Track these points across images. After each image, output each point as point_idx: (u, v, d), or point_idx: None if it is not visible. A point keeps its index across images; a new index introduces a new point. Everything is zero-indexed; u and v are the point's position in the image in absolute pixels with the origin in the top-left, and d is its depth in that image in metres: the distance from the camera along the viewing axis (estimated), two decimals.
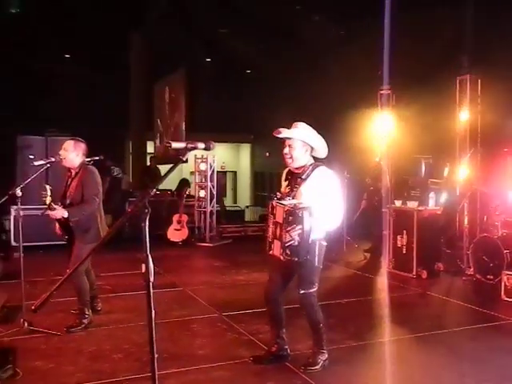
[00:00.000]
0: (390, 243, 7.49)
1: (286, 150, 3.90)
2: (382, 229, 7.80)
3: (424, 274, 7.01)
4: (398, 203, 7.54)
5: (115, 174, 10.58)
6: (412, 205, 7.28)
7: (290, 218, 3.65)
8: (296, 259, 3.71)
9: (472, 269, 6.83)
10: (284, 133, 3.89)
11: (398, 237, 7.33)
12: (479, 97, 7.37)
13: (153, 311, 2.21)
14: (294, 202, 3.75)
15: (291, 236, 3.65)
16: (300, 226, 3.62)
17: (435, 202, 7.42)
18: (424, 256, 7.07)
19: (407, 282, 6.88)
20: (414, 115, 8.54)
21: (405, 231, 7.23)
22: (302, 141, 3.87)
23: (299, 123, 3.96)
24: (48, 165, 4.89)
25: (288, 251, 3.69)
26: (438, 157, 8.79)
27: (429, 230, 7.13)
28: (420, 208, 7.18)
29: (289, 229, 3.65)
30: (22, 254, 4.74)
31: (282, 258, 3.73)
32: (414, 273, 7.04)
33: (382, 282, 7.04)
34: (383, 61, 7.89)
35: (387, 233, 7.58)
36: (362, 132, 8.91)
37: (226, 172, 19.43)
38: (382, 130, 8.37)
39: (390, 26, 7.77)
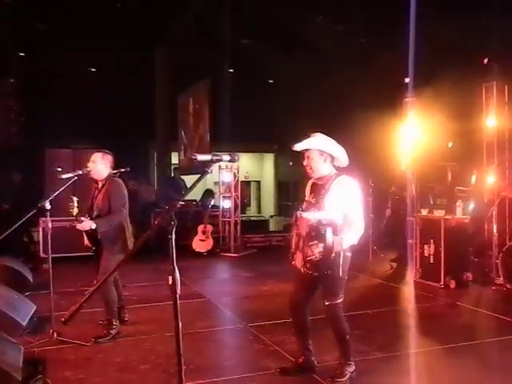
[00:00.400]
0: (417, 252, 7.39)
1: (305, 162, 3.92)
2: (407, 238, 7.70)
3: (452, 284, 6.88)
4: (424, 212, 7.45)
5: (130, 186, 10.77)
6: (439, 213, 7.18)
7: (313, 233, 3.64)
8: (316, 274, 3.70)
9: (502, 278, 6.70)
10: (300, 144, 3.90)
11: (425, 246, 7.23)
12: (506, 104, 7.24)
13: (179, 323, 2.22)
14: (317, 215, 3.70)
15: (312, 251, 3.65)
16: (322, 244, 3.61)
17: (463, 211, 7.30)
18: (452, 265, 6.94)
19: (435, 292, 6.77)
20: (440, 122, 8.44)
21: (432, 240, 7.12)
22: (318, 150, 3.86)
23: (316, 134, 3.96)
24: (76, 177, 4.95)
25: (308, 265, 3.69)
26: (464, 164, 8.65)
27: (456, 238, 7.01)
28: (447, 216, 7.08)
29: (310, 244, 3.65)
30: (50, 266, 4.82)
31: (302, 270, 3.74)
32: (442, 283, 6.92)
33: (410, 292, 6.95)
34: (408, 68, 7.84)
35: (414, 242, 7.48)
36: (388, 140, 8.84)
37: (249, 182, 19.43)
38: (408, 138, 8.29)
39: (415, 34, 7.72)
